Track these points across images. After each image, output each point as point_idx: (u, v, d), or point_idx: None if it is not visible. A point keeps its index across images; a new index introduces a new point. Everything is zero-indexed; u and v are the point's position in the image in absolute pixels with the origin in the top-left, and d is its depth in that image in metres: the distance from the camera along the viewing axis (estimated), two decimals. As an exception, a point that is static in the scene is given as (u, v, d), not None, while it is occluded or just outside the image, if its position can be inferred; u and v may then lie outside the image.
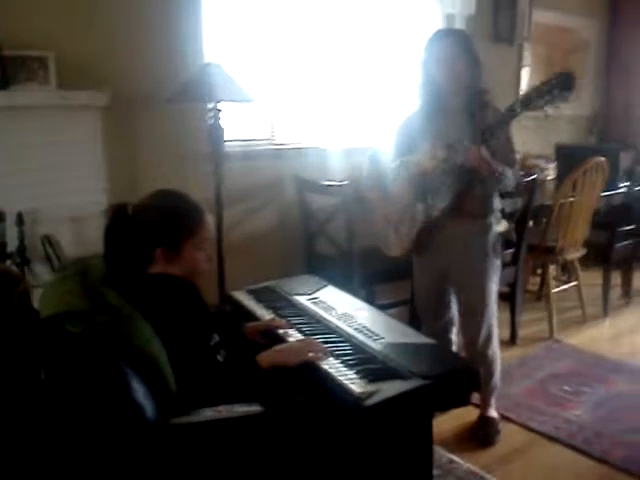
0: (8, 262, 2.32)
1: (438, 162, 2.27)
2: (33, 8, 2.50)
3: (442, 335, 2.55)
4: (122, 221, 1.65)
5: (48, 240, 2.37)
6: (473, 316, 2.44)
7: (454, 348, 2.61)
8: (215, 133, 2.83)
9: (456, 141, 2.22)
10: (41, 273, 2.36)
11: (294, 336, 1.84)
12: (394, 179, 2.45)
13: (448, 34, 2.37)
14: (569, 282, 3.87)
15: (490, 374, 2.49)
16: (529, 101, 2.09)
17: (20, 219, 2.33)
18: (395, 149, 2.47)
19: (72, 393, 1.34)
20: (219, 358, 1.66)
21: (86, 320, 1.44)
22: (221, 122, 2.82)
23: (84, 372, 1.36)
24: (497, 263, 2.43)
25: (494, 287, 2.43)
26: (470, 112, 2.29)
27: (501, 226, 2.57)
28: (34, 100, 2.39)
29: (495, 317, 2.48)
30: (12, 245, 2.35)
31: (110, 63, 2.70)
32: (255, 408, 1.52)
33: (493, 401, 2.57)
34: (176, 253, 1.65)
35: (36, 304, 1.58)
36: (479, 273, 2.39)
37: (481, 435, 2.48)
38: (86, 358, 1.37)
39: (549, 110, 2.10)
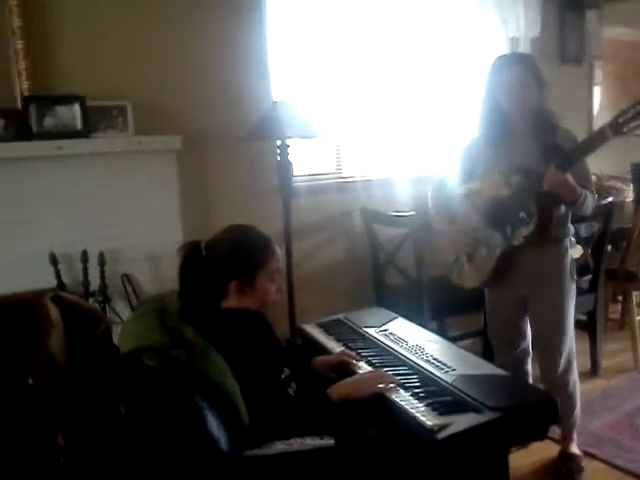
0: (91, 300, 2.44)
1: (512, 188, 2.24)
2: (111, 61, 2.67)
3: (518, 366, 2.48)
4: (195, 257, 1.71)
5: (127, 278, 2.49)
6: (551, 345, 2.36)
7: (530, 379, 2.52)
8: (284, 169, 2.91)
9: (534, 164, 2.19)
10: (121, 310, 2.47)
11: (364, 368, 1.84)
12: (460, 207, 2.42)
13: (516, 61, 2.32)
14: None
15: (570, 407, 2.39)
16: (620, 126, 2.01)
17: (102, 259, 2.46)
18: (460, 173, 2.45)
19: (150, 426, 1.39)
20: (290, 391, 1.68)
21: (163, 354, 1.50)
22: (290, 158, 2.90)
23: (161, 405, 1.41)
24: (573, 289, 2.36)
25: (571, 314, 2.35)
26: (537, 136, 2.26)
27: (575, 251, 2.50)
28: (114, 146, 2.54)
29: (574, 346, 2.38)
30: (94, 284, 2.48)
31: (183, 108, 2.84)
32: (327, 441, 1.52)
33: (574, 436, 2.45)
34: (250, 285, 1.69)
35: (116, 340, 1.66)
36: (556, 300, 2.31)
37: (563, 472, 2.37)
38: (162, 391, 1.43)
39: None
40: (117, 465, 1.35)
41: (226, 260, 1.69)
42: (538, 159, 2.18)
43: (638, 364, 3.34)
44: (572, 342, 2.38)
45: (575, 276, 2.37)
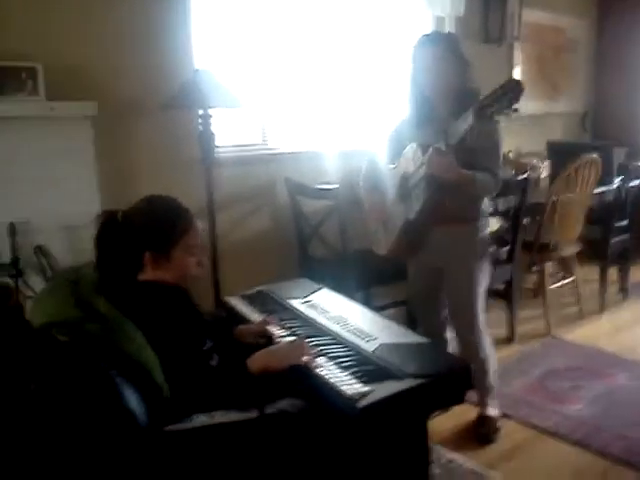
0: (2, 274, 2.31)
1: (417, 166, 2.28)
2: (22, 19, 2.50)
3: (437, 334, 2.57)
4: (112, 227, 1.65)
5: (41, 250, 2.37)
6: (462, 317, 2.46)
7: (450, 347, 2.61)
8: (206, 139, 2.84)
9: (426, 146, 2.22)
10: (35, 284, 2.35)
11: (286, 339, 1.84)
12: (383, 182, 2.46)
13: (431, 40, 2.33)
14: (565, 279, 3.87)
15: (484, 372, 2.49)
16: (482, 111, 2.04)
17: (12, 230, 2.33)
18: (388, 154, 2.49)
19: (62, 403, 1.33)
20: (212, 363, 1.66)
21: (76, 329, 1.44)
22: (212, 128, 2.82)
23: (74, 381, 1.36)
24: (486, 266, 2.44)
25: (482, 290, 2.44)
26: (457, 116, 2.24)
27: (492, 227, 2.58)
28: (23, 111, 2.39)
29: (483, 318, 2.47)
30: (5, 256, 2.35)
31: (99, 72, 2.70)
32: (250, 413, 1.51)
33: (492, 400, 2.56)
34: (165, 258, 1.65)
35: (28, 315, 1.58)
36: (467, 276, 2.40)
37: (480, 433, 2.48)
38: (76, 367, 1.37)
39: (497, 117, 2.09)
40: (27, 444, 1.29)
41: (141, 230, 1.64)
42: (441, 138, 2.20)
43: (549, 330, 3.52)
44: (482, 313, 2.46)
45: (486, 253, 2.44)
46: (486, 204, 2.43)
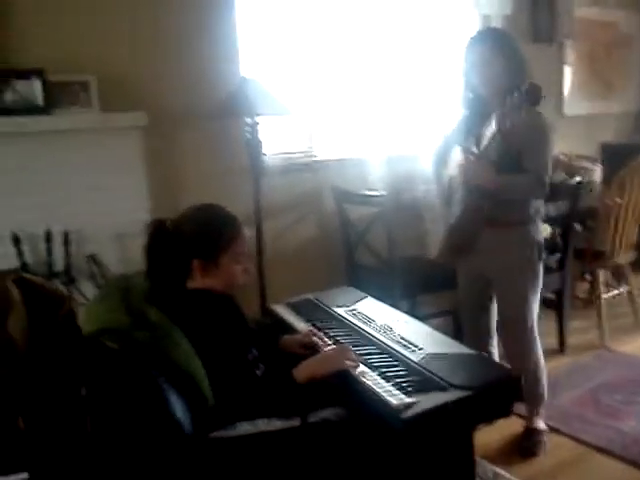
0: (55, 281, 2.39)
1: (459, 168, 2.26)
2: (74, 33, 2.59)
3: (482, 345, 2.51)
4: (161, 236, 1.69)
5: (93, 259, 2.45)
6: (512, 325, 2.40)
7: (496, 358, 2.55)
8: (253, 147, 2.87)
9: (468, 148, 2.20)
10: (87, 291, 2.43)
11: (330, 347, 1.84)
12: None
13: (480, 38, 2.31)
14: (620, 288, 3.74)
15: (534, 384, 2.43)
16: (504, 119, 2.05)
17: (66, 239, 2.41)
18: (443, 154, 2.45)
19: (111, 409, 1.37)
20: (258, 372, 1.67)
21: (126, 336, 1.47)
22: (259, 136, 2.85)
23: (123, 388, 1.39)
24: (537, 272, 2.36)
25: (533, 297, 2.37)
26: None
27: (543, 230, 2.51)
28: (77, 123, 2.47)
29: (535, 327, 2.41)
30: (59, 265, 2.43)
31: (149, 83, 2.78)
32: (293, 422, 1.52)
33: (540, 412, 2.50)
34: (213, 265, 1.68)
35: (80, 322, 1.63)
36: (517, 283, 2.34)
37: (524, 447, 2.42)
38: (125, 374, 1.41)
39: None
40: (79, 449, 1.33)
41: (190, 238, 1.67)
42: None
43: (603, 341, 3.40)
44: (534, 323, 2.40)
45: (539, 258, 2.36)
46: (538, 207, 2.34)
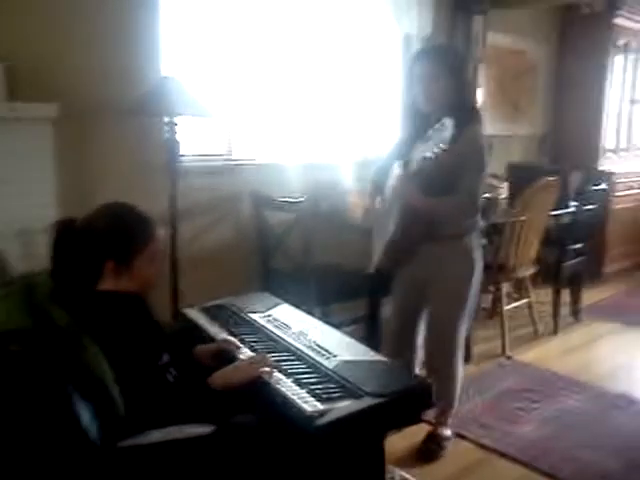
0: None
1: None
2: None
3: (403, 353, 2.56)
4: (69, 236, 1.60)
5: (-6, 255, 2.29)
6: (441, 332, 2.44)
7: (416, 368, 2.60)
8: (171, 147, 2.80)
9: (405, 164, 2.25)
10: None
11: (246, 355, 1.82)
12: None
13: (424, 54, 2.34)
14: (521, 300, 3.94)
15: (447, 393, 2.49)
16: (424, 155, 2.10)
17: (-36, 233, 2.25)
18: (386, 163, 2.48)
19: (13, 416, 1.29)
20: (169, 377, 1.62)
21: (29, 338, 1.39)
22: (177, 136, 2.79)
23: (25, 394, 1.31)
24: (475, 282, 2.42)
25: (465, 305, 2.42)
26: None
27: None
28: (-19, 111, 2.32)
29: (462, 338, 2.48)
30: (-45, 261, 2.27)
31: (63, 75, 2.65)
32: (205, 429, 1.49)
33: (447, 421, 2.57)
34: (126, 267, 1.61)
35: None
36: (451, 290, 2.39)
37: (424, 450, 2.49)
38: (28, 379, 1.32)
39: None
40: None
41: (101, 240, 1.59)
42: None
43: (505, 350, 3.57)
44: (462, 332, 2.46)
45: (474, 268, 2.40)
46: (474, 220, 2.39)
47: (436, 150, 2.03)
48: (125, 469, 1.36)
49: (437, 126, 2.08)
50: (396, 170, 2.32)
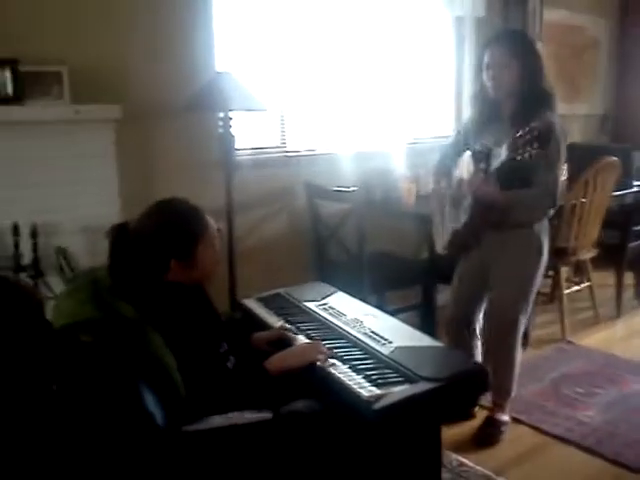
0: (23, 274, 2.36)
1: (469, 174, 2.30)
2: (46, 23, 2.55)
3: (468, 341, 2.57)
4: (124, 241, 1.65)
5: (62, 252, 2.42)
6: (503, 314, 2.42)
7: (478, 352, 2.61)
8: (226, 142, 2.87)
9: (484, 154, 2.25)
10: (56, 285, 2.40)
11: (302, 341, 1.87)
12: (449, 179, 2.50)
13: (496, 40, 2.33)
14: (581, 283, 3.85)
15: (505, 379, 2.49)
16: (513, 150, 2.09)
17: (34, 232, 2.38)
18: (451, 149, 2.53)
19: (84, 404, 1.37)
20: (229, 365, 1.69)
21: (97, 329, 1.48)
22: (232, 130, 2.86)
23: (95, 382, 1.40)
24: (537, 270, 2.41)
25: (529, 291, 2.42)
26: (517, 121, 2.20)
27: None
28: (48, 115, 2.44)
29: (522, 323, 2.45)
30: (27, 257, 2.40)
31: (122, 76, 2.75)
32: (265, 414, 1.55)
33: (506, 404, 2.56)
34: (190, 260, 1.67)
35: (49, 315, 1.62)
36: (516, 272, 2.38)
37: (482, 435, 2.49)
38: (97, 368, 1.41)
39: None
40: (50, 445, 1.33)
41: (160, 243, 1.64)
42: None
43: (565, 335, 3.51)
44: (523, 317, 2.44)
45: (540, 254, 2.40)
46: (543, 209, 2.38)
47: (528, 150, 2.03)
48: (189, 453, 1.43)
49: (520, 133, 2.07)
50: (467, 160, 2.32)
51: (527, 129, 2.05)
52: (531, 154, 2.05)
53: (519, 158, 2.07)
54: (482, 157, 2.29)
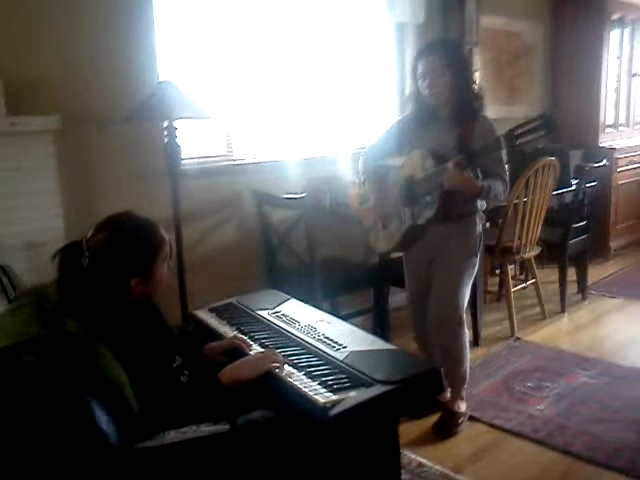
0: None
1: (424, 172, 2.34)
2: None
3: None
4: (77, 261, 1.59)
5: (3, 270, 2.32)
6: (445, 302, 2.50)
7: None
8: (171, 151, 2.82)
9: (448, 152, 2.30)
10: (-3, 304, 2.31)
11: (256, 351, 1.85)
12: (385, 178, 2.56)
13: (428, 50, 2.41)
14: (527, 281, 3.96)
15: (457, 365, 2.56)
16: (514, 138, 2.19)
17: (-27, 249, 2.29)
18: (383, 148, 2.58)
19: (32, 425, 1.32)
20: (182, 379, 1.66)
21: (43, 349, 1.42)
22: (178, 140, 2.82)
23: (43, 402, 1.34)
24: (476, 260, 2.53)
25: (468, 280, 2.52)
26: (458, 123, 2.38)
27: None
28: (-19, 127, 2.35)
29: (464, 310, 2.55)
30: (-35, 276, 2.30)
31: (61, 86, 2.67)
32: (222, 426, 1.52)
33: (462, 395, 2.64)
34: (149, 276, 1.64)
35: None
36: (456, 263, 2.48)
37: (441, 426, 2.54)
38: (43, 388, 1.36)
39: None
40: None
41: (118, 260, 1.60)
42: (452, 148, 2.32)
43: (513, 332, 3.60)
44: (464, 304, 2.54)
45: (479, 245, 2.53)
46: (480, 201, 2.49)
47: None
48: (144, 470, 1.39)
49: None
50: (417, 158, 2.38)
51: (527, 121, 2.18)
52: (533, 139, 2.17)
53: (525, 141, 2.18)
54: (442, 144, 2.36)
